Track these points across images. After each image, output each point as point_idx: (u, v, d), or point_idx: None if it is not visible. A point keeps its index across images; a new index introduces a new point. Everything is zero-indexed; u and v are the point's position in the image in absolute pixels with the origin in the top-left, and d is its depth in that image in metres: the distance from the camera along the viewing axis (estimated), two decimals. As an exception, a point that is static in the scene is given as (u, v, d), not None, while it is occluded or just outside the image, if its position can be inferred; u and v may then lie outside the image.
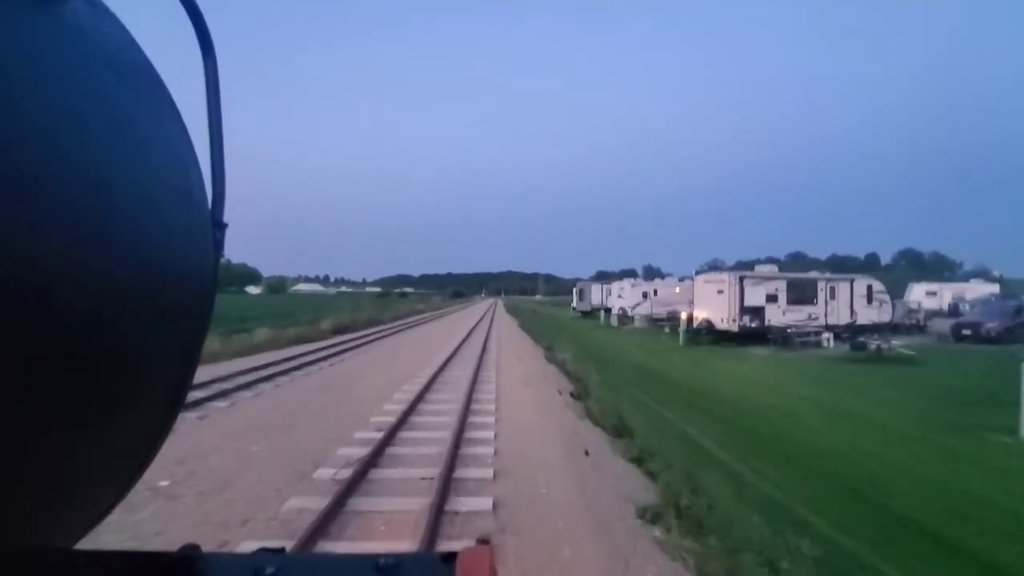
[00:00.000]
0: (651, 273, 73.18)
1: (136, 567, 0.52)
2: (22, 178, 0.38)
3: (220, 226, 0.66)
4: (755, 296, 23.33)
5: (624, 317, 39.91)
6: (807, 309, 24.59)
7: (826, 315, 25.05)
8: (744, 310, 23.14)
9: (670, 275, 53.11)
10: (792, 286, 24.43)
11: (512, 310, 62.43)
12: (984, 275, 57.76)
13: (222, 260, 0.68)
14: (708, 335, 24.40)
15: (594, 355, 20.60)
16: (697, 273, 29.60)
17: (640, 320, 37.63)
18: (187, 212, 0.58)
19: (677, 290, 40.28)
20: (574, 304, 56.70)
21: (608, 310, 42.91)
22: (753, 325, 23.38)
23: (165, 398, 0.59)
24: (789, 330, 22.83)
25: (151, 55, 0.59)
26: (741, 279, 23.29)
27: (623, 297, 40.43)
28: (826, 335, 23.44)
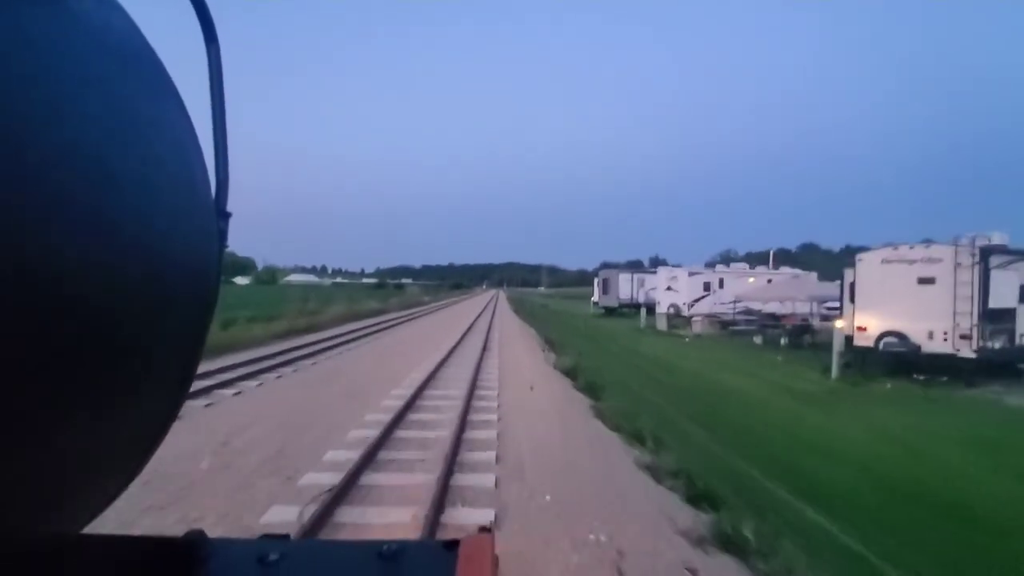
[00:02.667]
0: (657, 264, 61.79)
1: (142, 551, 0.53)
2: (25, 168, 0.38)
3: (224, 215, 0.65)
4: (1004, 291, 11.98)
5: (675, 317, 28.65)
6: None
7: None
8: (986, 316, 11.77)
9: (677, 265, 40.50)
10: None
11: (519, 308, 49.84)
12: None
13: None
14: (889, 360, 13.12)
15: (711, 422, 9.41)
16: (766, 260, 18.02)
17: (701, 323, 26.34)
18: (191, 201, 0.58)
19: (751, 280, 29.00)
20: (595, 298, 45.45)
21: (649, 307, 31.59)
22: (996, 346, 12.04)
23: (170, 387, 0.59)
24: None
25: (155, 44, 0.59)
26: (984, 254, 11.85)
27: (676, 290, 29.02)
28: None
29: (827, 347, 18.56)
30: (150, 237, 0.50)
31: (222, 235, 0.64)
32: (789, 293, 19.80)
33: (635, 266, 48.83)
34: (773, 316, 22.52)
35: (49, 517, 0.48)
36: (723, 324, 26.90)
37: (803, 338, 19.84)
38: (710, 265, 37.84)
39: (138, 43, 0.56)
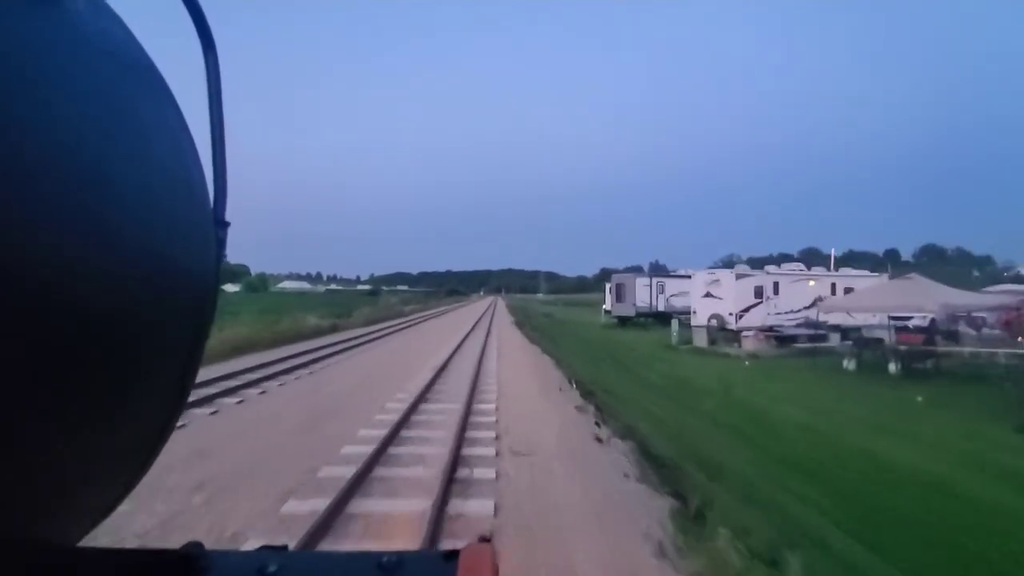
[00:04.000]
0: (657, 270, 56.13)
1: (138, 564, 0.53)
2: (22, 176, 0.38)
3: (222, 224, 0.65)
4: None
5: (717, 331, 23.01)
6: None
7: None
8: None
9: (679, 271, 34.11)
10: None
11: (523, 321, 41.37)
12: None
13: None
14: None
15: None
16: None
17: (755, 339, 20.76)
18: (189, 210, 0.57)
19: (812, 283, 23.46)
20: (607, 307, 39.82)
21: (677, 317, 25.96)
22: None
23: (168, 396, 0.58)
24: None
25: (152, 52, 0.59)
26: None
27: (718, 296, 23.34)
28: None
29: (953, 375, 13.09)
30: (148, 244, 0.49)
31: (220, 244, 0.63)
32: (910, 301, 14.23)
33: (635, 272, 42.70)
34: (837, 328, 16.95)
35: (43, 529, 0.47)
36: (779, 340, 21.37)
37: (924, 363, 14.28)
38: (746, 273, 32.17)
39: (135, 50, 0.55)
